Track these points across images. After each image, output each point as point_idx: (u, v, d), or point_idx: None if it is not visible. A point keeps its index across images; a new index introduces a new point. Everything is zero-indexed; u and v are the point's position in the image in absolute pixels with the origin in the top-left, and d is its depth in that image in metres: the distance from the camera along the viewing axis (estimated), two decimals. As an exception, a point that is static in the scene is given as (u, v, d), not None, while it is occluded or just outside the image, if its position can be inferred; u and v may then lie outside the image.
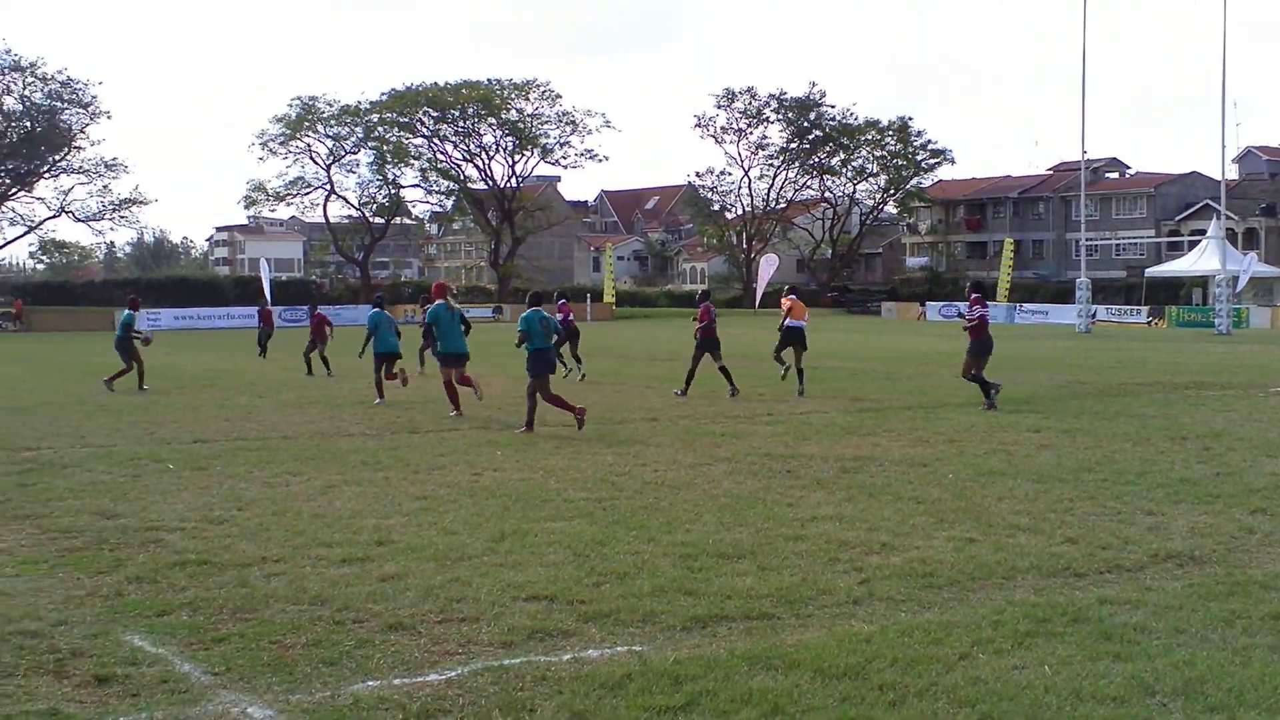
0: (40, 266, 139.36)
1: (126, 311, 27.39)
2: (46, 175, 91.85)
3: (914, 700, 6.36)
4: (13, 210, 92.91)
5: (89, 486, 13.19)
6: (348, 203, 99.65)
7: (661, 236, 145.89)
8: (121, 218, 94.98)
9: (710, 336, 24.28)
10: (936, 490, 12.74)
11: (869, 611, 8.09)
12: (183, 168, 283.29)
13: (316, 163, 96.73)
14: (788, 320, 25.40)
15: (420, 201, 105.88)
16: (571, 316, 30.13)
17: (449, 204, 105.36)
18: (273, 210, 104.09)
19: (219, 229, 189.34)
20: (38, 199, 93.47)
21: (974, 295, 21.98)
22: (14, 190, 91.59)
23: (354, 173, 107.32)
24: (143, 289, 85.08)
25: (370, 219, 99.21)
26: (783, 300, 26.27)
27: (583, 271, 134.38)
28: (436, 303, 21.56)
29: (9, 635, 7.55)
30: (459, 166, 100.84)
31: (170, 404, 23.14)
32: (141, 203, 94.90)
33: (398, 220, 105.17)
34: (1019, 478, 13.55)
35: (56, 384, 28.57)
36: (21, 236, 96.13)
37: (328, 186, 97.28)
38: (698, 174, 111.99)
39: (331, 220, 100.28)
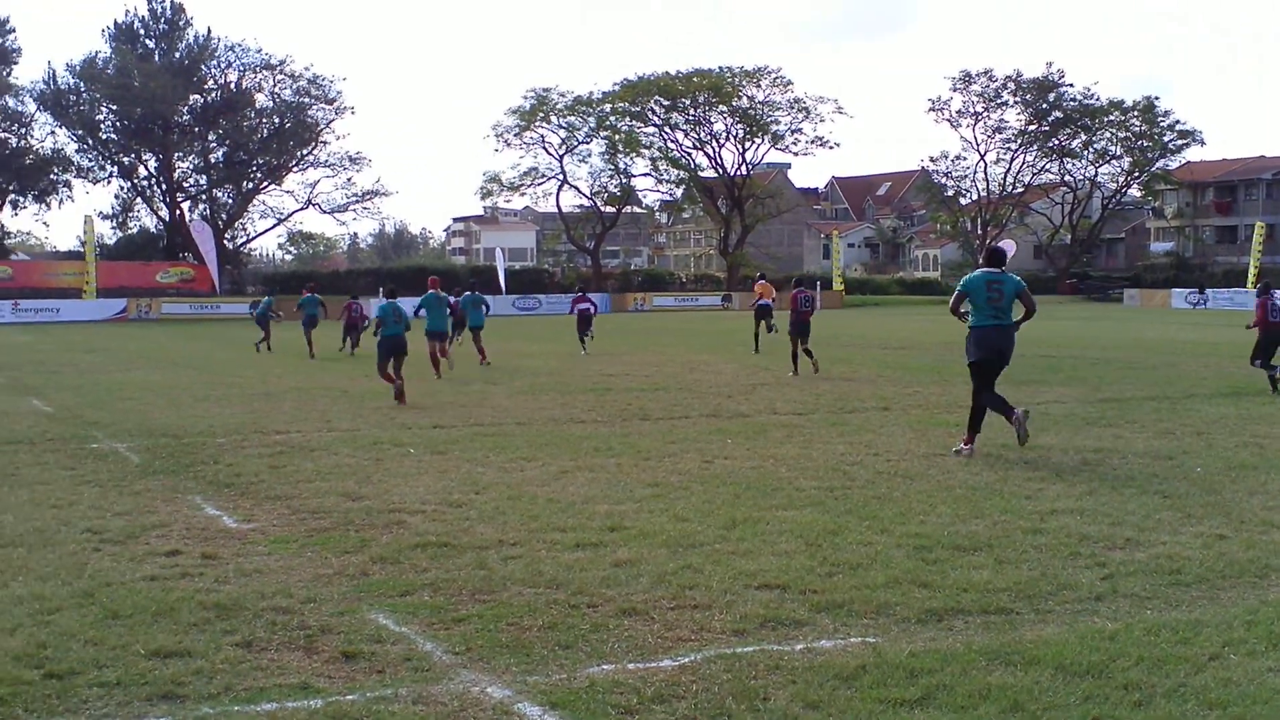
0: (288, 257, 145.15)
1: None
2: (294, 169, 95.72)
3: (1161, 701, 6.15)
4: (264, 203, 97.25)
5: (335, 469, 13.71)
6: (579, 192, 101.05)
7: (893, 223, 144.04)
8: (364, 209, 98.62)
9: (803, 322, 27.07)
10: (1183, 484, 12.27)
11: (1112, 608, 7.85)
12: (422, 160, 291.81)
13: (549, 153, 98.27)
14: (759, 300, 35.12)
15: (650, 190, 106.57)
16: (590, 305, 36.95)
17: (679, 192, 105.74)
18: (507, 201, 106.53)
19: (456, 219, 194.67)
20: (286, 192, 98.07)
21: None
22: (265, 184, 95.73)
23: (585, 162, 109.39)
24: (383, 278, 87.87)
25: (601, 208, 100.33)
26: (756, 286, 36.99)
27: (812, 259, 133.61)
28: (429, 293, 27.39)
29: (262, 611, 7.89)
30: (689, 155, 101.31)
31: (408, 390, 23.83)
32: (383, 195, 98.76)
33: (628, 209, 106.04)
34: (1273, 472, 12.96)
35: (304, 370, 29.71)
36: (272, 228, 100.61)
37: (560, 176, 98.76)
38: (931, 159, 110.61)
39: (564, 210, 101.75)
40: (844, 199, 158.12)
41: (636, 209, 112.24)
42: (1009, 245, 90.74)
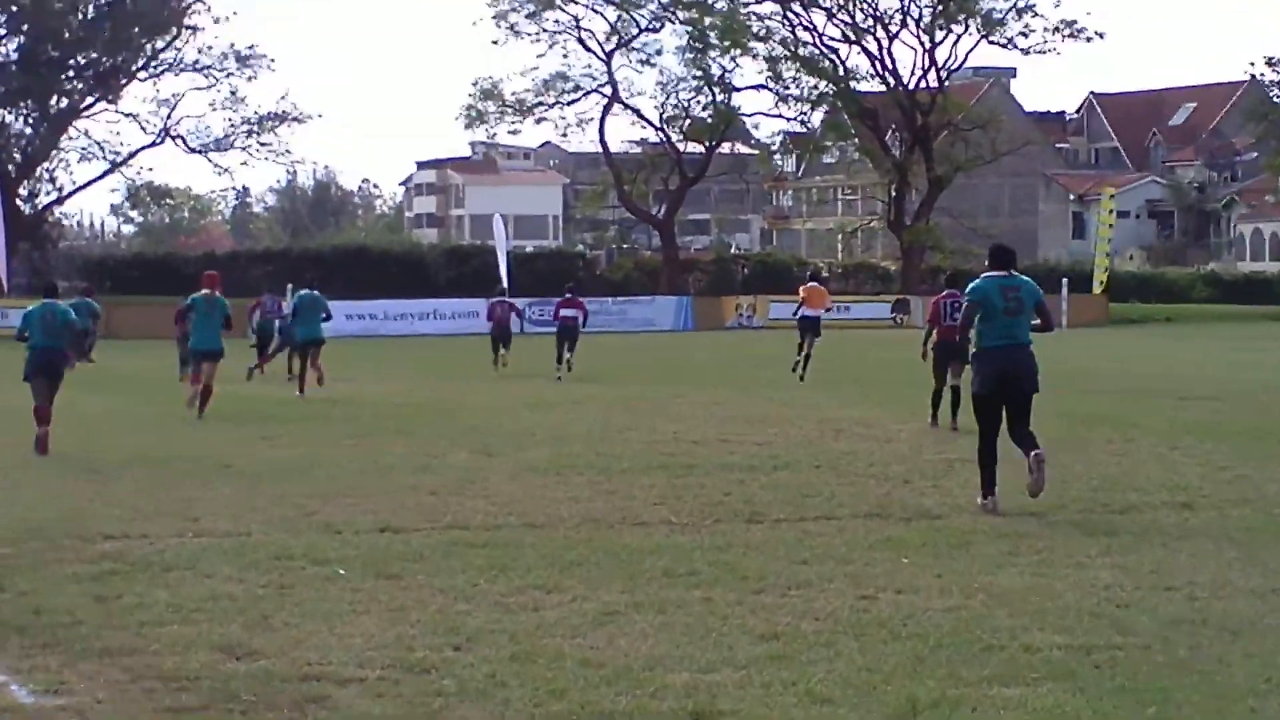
0: (129, 229, 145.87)
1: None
2: (140, 75, 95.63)
3: None
4: (86, 134, 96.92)
5: (208, 602, 13.74)
6: (640, 117, 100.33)
7: (1198, 175, 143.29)
8: (261, 146, 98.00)
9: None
10: None
11: None
12: (363, 66, 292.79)
13: (589, 48, 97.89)
14: (803, 310, 43.96)
15: (766, 114, 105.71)
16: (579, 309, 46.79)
17: (816, 118, 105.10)
18: (513, 131, 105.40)
19: (422, 166, 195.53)
20: (126, 116, 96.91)
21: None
22: (89, 102, 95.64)
23: (652, 65, 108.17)
24: (295, 265, 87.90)
25: (678, 146, 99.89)
26: (801, 289, 45.76)
27: (1054, 235, 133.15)
28: (198, 294, 32.54)
29: None
30: (834, 52, 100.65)
31: (340, 463, 23.94)
32: (294, 121, 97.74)
33: (725, 148, 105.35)
34: None
35: (156, 426, 29.82)
36: (100, 178, 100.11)
37: (607, 90, 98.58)
38: (1269, 61, 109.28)
39: (612, 150, 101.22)
40: (1110, 132, 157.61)
41: (740, 149, 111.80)
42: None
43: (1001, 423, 18.98)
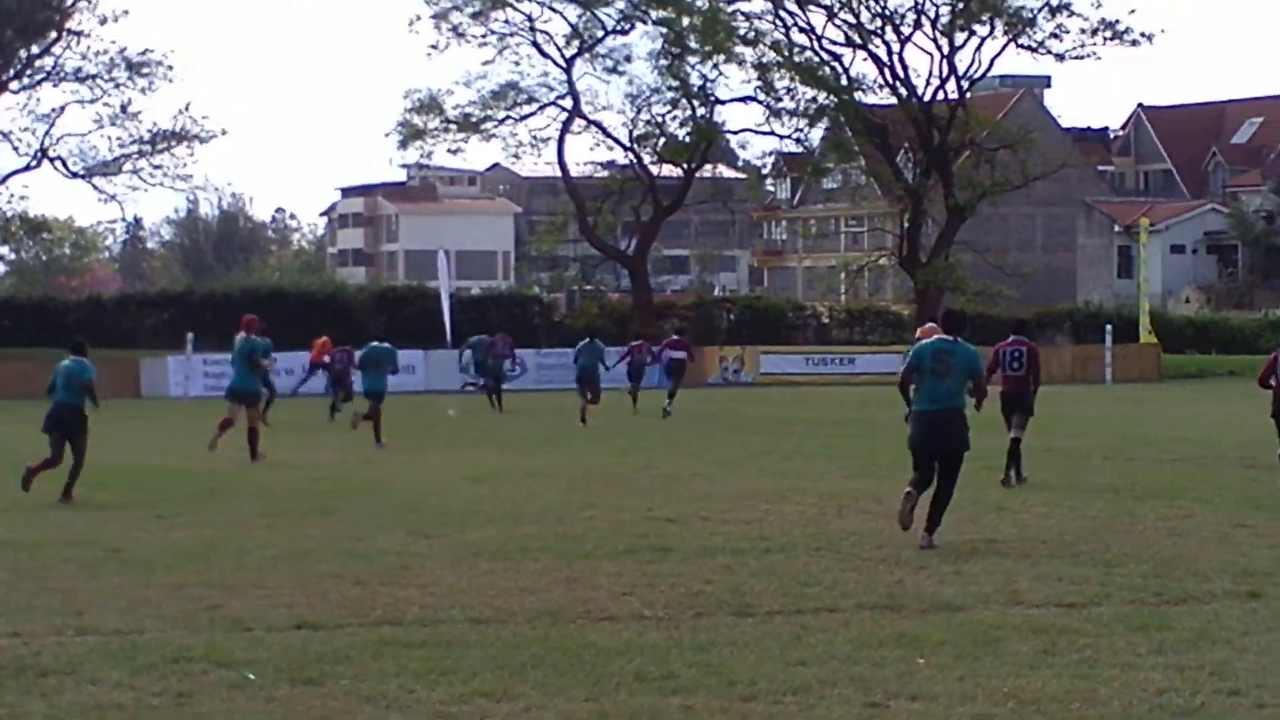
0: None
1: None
2: (12, 85, 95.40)
3: None
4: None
5: (91, 714, 13.69)
6: (606, 134, 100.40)
7: (1266, 202, 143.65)
8: (155, 169, 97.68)
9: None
10: None
11: None
12: (277, 75, 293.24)
13: (545, 53, 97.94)
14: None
15: (755, 131, 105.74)
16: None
17: (815, 136, 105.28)
18: (455, 151, 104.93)
19: (347, 193, 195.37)
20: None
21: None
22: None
23: (620, 73, 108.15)
24: (194, 311, 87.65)
25: (652, 169, 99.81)
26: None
27: (1096, 273, 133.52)
28: (243, 338, 39.19)
29: None
30: (835, 58, 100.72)
31: (250, 547, 23.89)
32: (195, 139, 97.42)
33: (707, 171, 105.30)
34: None
35: (27, 504, 29.71)
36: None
37: (567, 103, 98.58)
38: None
39: (573, 174, 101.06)
40: (1161, 152, 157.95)
41: (725, 171, 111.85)
42: None
43: (935, 470, 23.06)
